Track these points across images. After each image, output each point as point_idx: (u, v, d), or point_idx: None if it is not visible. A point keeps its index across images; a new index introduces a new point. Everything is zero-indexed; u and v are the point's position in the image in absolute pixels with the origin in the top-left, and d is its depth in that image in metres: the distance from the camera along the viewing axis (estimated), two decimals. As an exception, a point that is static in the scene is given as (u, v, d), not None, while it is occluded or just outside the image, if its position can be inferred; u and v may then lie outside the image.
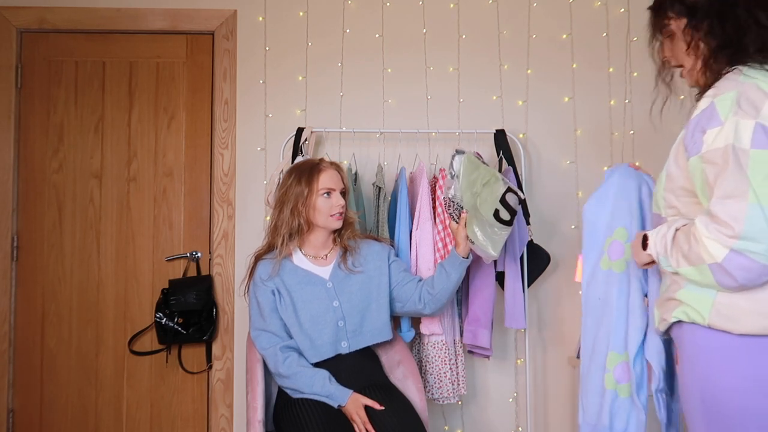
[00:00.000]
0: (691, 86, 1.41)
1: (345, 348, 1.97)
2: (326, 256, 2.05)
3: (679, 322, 1.31)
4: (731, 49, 1.25)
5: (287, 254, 2.01)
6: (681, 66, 1.40)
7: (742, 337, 1.18)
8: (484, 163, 2.06)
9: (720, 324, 1.21)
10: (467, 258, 2.04)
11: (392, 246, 2.24)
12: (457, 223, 2.02)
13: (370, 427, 1.80)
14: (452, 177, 1.99)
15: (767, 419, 1.17)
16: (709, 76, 1.29)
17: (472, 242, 2.00)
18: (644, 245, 1.38)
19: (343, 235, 2.07)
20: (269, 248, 2.05)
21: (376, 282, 2.05)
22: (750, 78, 1.20)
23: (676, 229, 1.29)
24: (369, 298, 2.03)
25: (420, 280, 2.12)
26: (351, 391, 1.87)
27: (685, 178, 1.29)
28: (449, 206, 2.03)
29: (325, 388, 1.86)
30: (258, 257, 2.06)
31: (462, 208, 2.01)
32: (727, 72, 1.25)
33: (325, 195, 1.98)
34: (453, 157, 2.02)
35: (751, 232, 1.11)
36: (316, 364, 1.95)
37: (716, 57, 1.28)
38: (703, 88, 1.33)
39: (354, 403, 1.84)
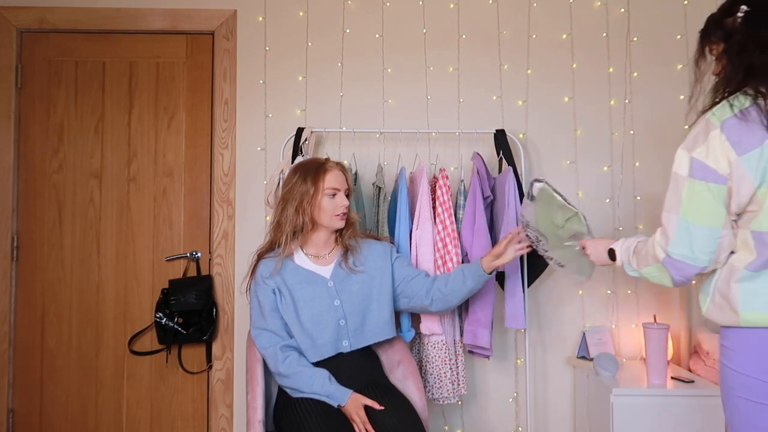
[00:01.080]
0: None
1: (346, 347, 1.97)
2: (327, 255, 2.06)
3: None
4: (726, 81, 1.45)
5: (289, 253, 2.01)
6: None
7: (724, 328, 1.46)
8: (564, 199, 1.96)
9: (710, 316, 1.48)
10: (489, 274, 2.05)
11: (392, 243, 2.24)
12: (529, 248, 2.03)
13: (369, 426, 1.80)
14: (531, 200, 1.97)
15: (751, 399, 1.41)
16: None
17: (562, 266, 1.98)
18: (612, 256, 1.71)
19: (344, 235, 2.07)
20: (271, 246, 2.05)
21: (377, 281, 2.05)
22: (713, 115, 1.41)
23: (638, 242, 1.61)
24: (370, 298, 2.03)
25: (427, 275, 2.13)
26: (351, 391, 1.87)
27: None
28: (525, 226, 2.01)
29: (324, 388, 1.87)
30: (260, 255, 2.06)
31: (541, 234, 1.97)
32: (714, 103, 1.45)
33: (331, 195, 1.98)
34: (532, 184, 1.98)
35: (679, 240, 1.43)
36: (317, 363, 1.95)
37: (725, 85, 1.46)
38: None
39: (354, 403, 1.84)
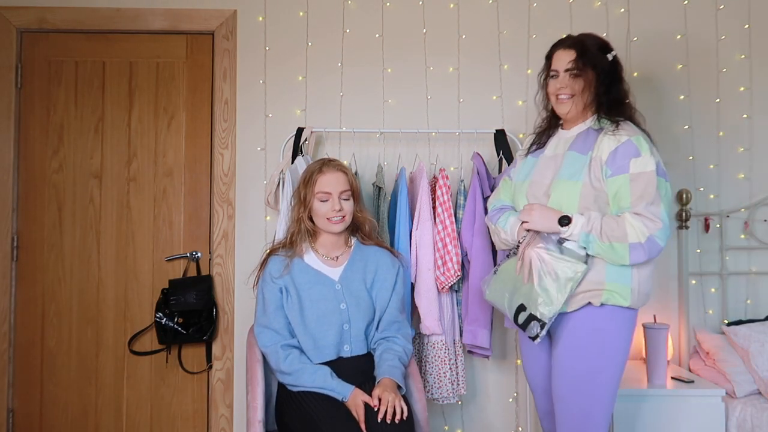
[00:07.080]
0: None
1: (347, 351, 1.97)
2: (338, 257, 2.05)
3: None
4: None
5: (300, 253, 2.02)
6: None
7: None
8: None
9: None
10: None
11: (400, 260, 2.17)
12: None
13: (363, 427, 1.79)
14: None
15: None
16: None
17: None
18: (563, 222, 1.74)
19: (354, 239, 2.08)
20: (283, 244, 2.07)
21: (382, 294, 2.03)
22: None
23: (603, 216, 1.73)
24: (374, 306, 2.03)
25: (396, 320, 2.03)
26: (353, 386, 1.87)
27: (602, 190, 1.76)
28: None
29: (327, 384, 1.87)
30: (272, 251, 2.07)
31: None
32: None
33: (322, 199, 1.97)
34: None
35: (664, 227, 1.69)
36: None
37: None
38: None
39: (354, 400, 1.84)
